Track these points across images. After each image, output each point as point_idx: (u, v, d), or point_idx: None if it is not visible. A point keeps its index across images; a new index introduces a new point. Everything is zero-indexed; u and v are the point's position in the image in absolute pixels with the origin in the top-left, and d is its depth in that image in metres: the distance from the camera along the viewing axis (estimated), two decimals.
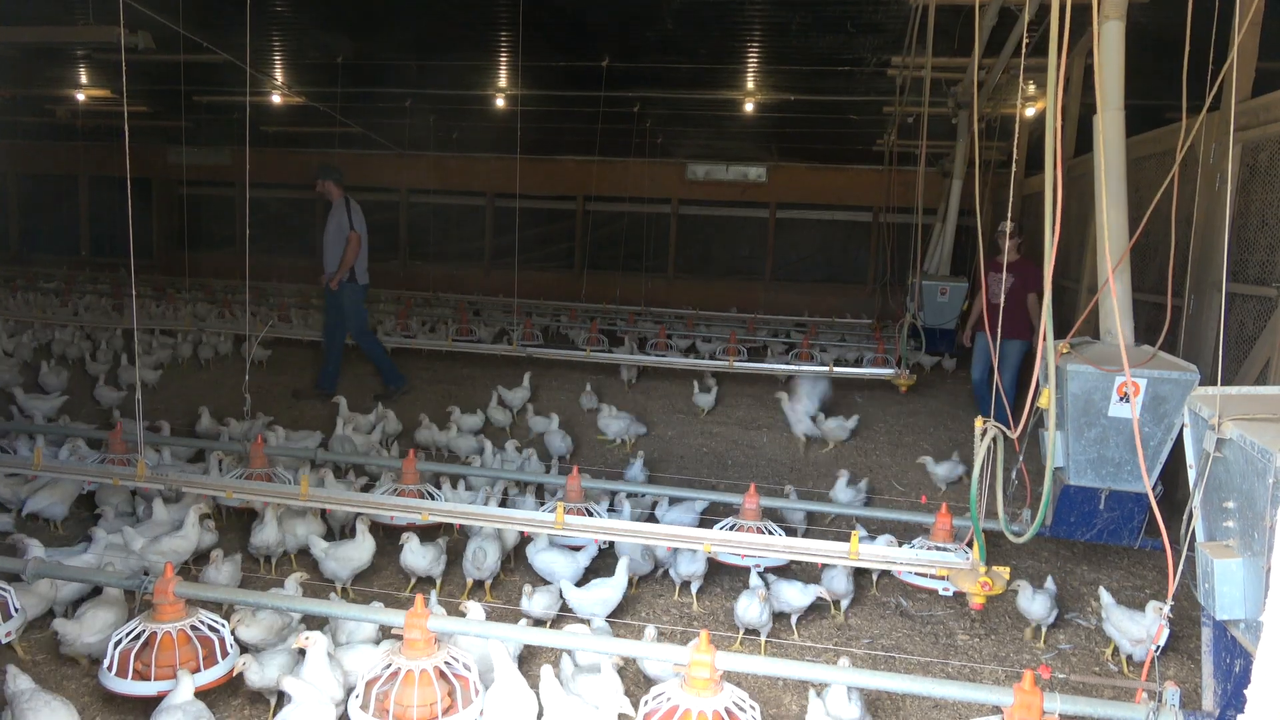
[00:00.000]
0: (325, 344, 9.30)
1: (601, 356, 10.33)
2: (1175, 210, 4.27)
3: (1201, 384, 4.45)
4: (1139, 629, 4.14)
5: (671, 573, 4.86)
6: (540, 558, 4.70)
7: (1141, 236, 4.59)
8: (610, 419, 8.02)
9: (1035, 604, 4.49)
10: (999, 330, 5.28)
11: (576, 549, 4.81)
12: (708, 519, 5.32)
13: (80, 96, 15.60)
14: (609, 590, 4.38)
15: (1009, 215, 6.33)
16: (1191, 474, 3.08)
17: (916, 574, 4.47)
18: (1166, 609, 3.16)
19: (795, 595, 4.43)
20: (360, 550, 4.65)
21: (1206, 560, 2.79)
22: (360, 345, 9.35)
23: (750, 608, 4.27)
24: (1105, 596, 4.35)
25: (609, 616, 4.39)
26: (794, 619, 4.54)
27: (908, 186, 11.59)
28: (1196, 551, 2.92)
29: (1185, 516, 3.02)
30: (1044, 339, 3.74)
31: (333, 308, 9.03)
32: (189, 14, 9.28)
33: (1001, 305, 5.99)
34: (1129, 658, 4.29)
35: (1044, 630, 4.58)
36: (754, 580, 4.48)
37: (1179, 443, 4.63)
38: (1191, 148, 6.21)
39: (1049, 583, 4.68)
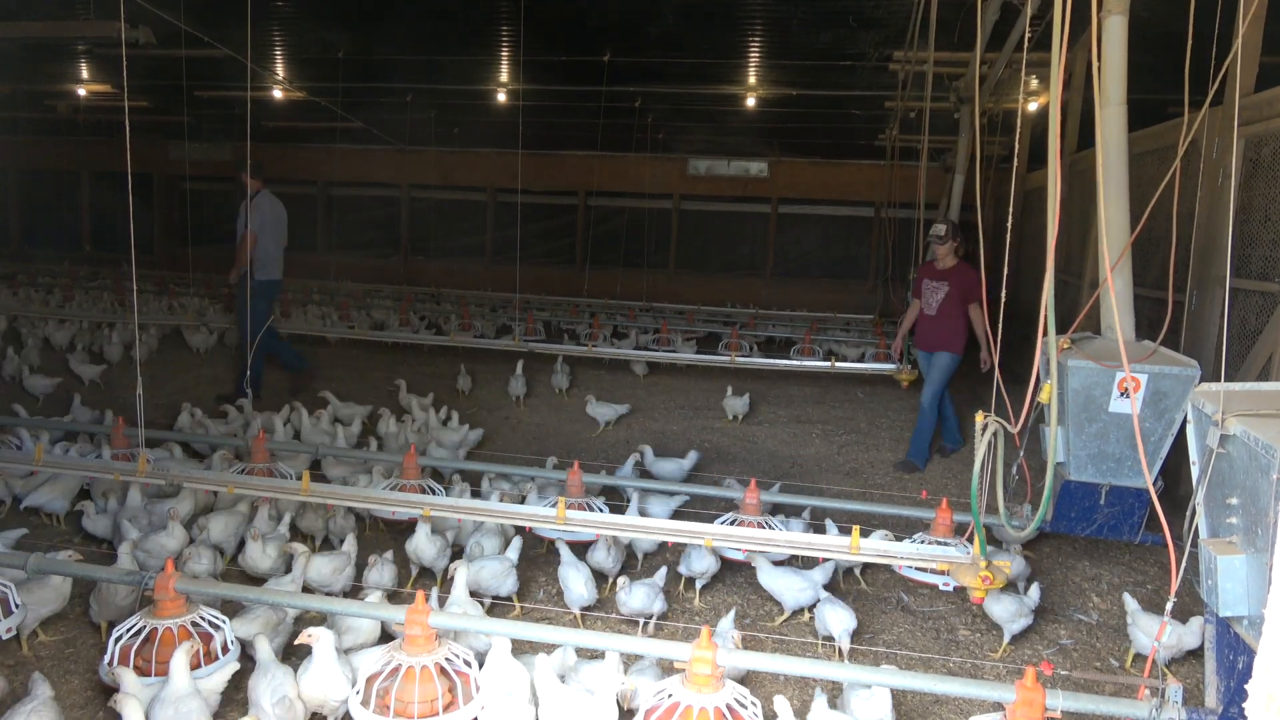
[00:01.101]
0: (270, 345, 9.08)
1: (603, 352, 10.33)
2: (1177, 205, 4.26)
3: (1203, 380, 4.44)
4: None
5: (620, 598, 4.25)
6: (473, 574, 4.37)
7: (1143, 232, 4.57)
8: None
9: (999, 605, 4.27)
10: (929, 341, 5.09)
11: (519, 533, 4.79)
12: (708, 513, 5.32)
13: (81, 92, 15.59)
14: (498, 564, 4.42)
15: (1010, 212, 6.29)
16: (1195, 470, 3.07)
17: (917, 569, 4.46)
18: (1169, 606, 3.15)
19: (838, 620, 4.15)
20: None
21: (1210, 556, 2.79)
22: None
23: (635, 595, 4.17)
24: (1130, 603, 4.24)
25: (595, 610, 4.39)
26: (838, 639, 4.21)
27: (909, 182, 11.54)
28: (1200, 548, 2.91)
29: (1188, 513, 3.01)
30: (1044, 333, 3.73)
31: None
32: (190, 9, 9.29)
33: (935, 314, 5.64)
34: (1134, 655, 4.27)
35: (1006, 639, 4.34)
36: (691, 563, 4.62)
37: (1179, 438, 4.62)
38: (1194, 143, 6.19)
39: (1034, 590, 4.47)
